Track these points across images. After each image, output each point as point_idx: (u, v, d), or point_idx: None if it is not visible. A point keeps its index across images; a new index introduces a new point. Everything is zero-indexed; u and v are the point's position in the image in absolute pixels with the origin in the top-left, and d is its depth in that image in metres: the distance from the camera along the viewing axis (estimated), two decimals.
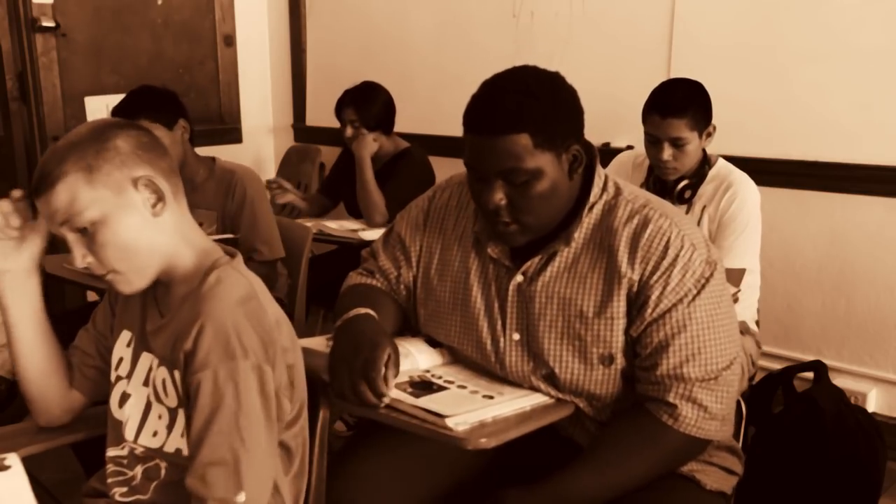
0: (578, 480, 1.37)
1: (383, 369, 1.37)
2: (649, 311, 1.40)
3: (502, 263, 1.51)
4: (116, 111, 2.57)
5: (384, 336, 1.46)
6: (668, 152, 2.31)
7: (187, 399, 1.24)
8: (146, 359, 1.34)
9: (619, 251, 1.42)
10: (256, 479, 1.20)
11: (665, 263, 1.39)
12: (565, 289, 1.45)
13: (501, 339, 1.50)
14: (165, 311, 1.33)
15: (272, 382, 1.23)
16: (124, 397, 1.36)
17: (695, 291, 1.39)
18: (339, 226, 3.13)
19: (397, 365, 1.41)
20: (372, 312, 1.52)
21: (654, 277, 1.39)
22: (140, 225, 1.26)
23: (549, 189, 1.39)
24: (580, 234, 1.46)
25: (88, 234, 1.24)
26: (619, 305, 1.42)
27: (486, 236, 1.52)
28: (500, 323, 1.51)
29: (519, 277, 1.49)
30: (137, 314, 1.38)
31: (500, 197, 1.39)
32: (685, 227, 1.43)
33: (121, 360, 1.39)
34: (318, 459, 1.43)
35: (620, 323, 1.42)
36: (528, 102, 1.35)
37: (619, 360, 1.44)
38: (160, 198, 1.27)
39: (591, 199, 1.46)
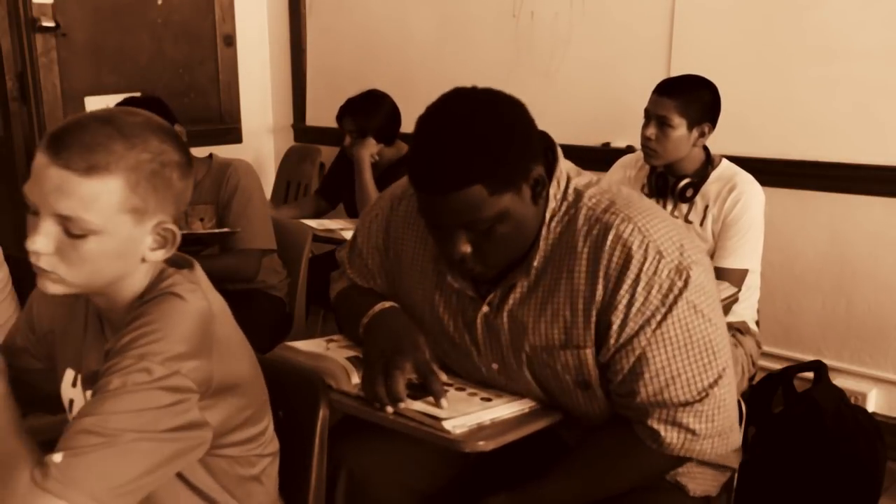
0: (558, 493, 1.34)
1: (434, 372, 1.36)
2: (614, 337, 1.29)
3: (465, 293, 1.43)
4: None
5: (421, 339, 1.43)
6: (650, 130, 2.36)
7: None
8: None
9: (580, 271, 1.31)
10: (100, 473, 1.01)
11: (628, 279, 1.27)
12: (527, 317, 1.37)
13: (484, 369, 1.47)
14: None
15: (194, 412, 1.08)
16: None
17: (664, 310, 1.26)
18: (319, 224, 3.11)
19: (435, 371, 1.39)
20: (398, 306, 1.50)
21: (617, 297, 1.27)
22: (125, 259, 1.12)
23: (515, 227, 1.28)
24: (538, 260, 1.35)
25: (70, 234, 1.08)
26: (586, 333, 1.32)
27: (446, 268, 1.43)
28: (476, 354, 1.45)
29: (485, 308, 1.41)
30: (77, 350, 1.26)
31: (464, 247, 1.28)
32: (652, 229, 1.29)
33: (71, 401, 1.27)
34: (317, 460, 1.42)
35: (588, 353, 1.33)
36: (474, 153, 1.22)
37: (595, 385, 1.36)
38: (162, 247, 1.15)
39: (549, 213, 1.34)
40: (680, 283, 1.27)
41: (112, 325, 1.20)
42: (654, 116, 2.36)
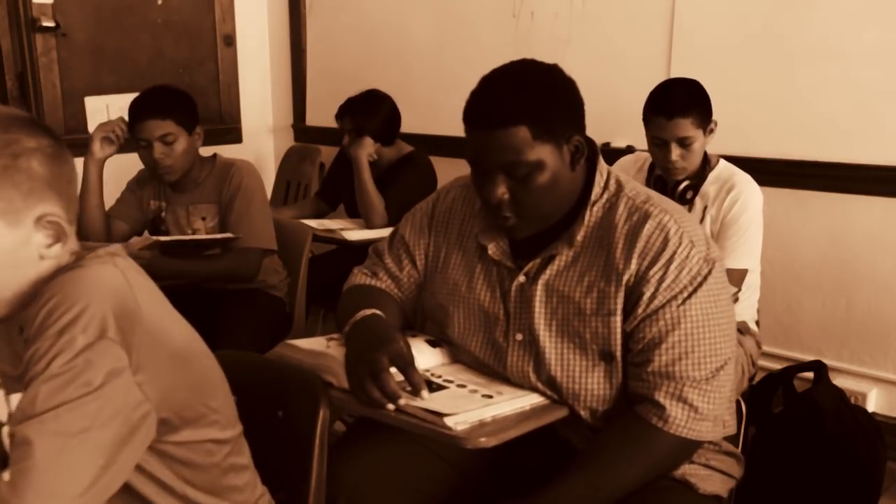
0: (571, 490, 1.36)
1: (411, 364, 1.38)
2: (643, 306, 1.39)
3: (504, 265, 1.51)
4: (144, 103, 2.52)
5: (396, 333, 1.46)
6: (676, 153, 2.30)
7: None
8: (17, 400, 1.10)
9: (617, 247, 1.42)
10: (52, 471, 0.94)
11: (662, 259, 1.38)
12: (564, 286, 1.45)
13: (505, 340, 1.50)
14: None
15: (133, 390, 0.99)
16: None
17: (690, 289, 1.38)
18: (319, 224, 3.12)
19: (412, 361, 1.41)
20: (379, 312, 1.53)
21: (651, 272, 1.38)
22: (18, 267, 1.03)
23: (550, 181, 1.39)
24: (581, 234, 1.46)
25: None
26: (617, 302, 1.41)
27: (486, 236, 1.53)
28: (504, 324, 1.51)
29: (521, 278, 1.49)
30: None
31: (502, 191, 1.40)
32: (685, 223, 1.42)
33: None
34: (317, 460, 1.42)
35: (618, 320, 1.41)
36: (523, 94, 1.36)
37: (619, 358, 1.42)
38: (58, 240, 1.05)
39: (593, 197, 1.46)
40: (706, 271, 1.39)
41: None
42: (675, 140, 2.28)
